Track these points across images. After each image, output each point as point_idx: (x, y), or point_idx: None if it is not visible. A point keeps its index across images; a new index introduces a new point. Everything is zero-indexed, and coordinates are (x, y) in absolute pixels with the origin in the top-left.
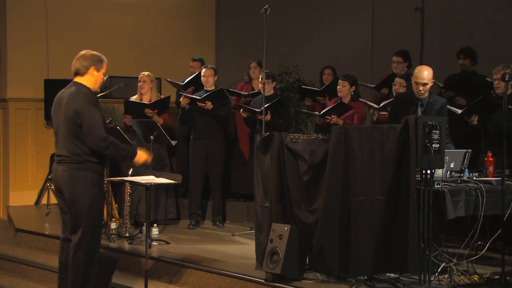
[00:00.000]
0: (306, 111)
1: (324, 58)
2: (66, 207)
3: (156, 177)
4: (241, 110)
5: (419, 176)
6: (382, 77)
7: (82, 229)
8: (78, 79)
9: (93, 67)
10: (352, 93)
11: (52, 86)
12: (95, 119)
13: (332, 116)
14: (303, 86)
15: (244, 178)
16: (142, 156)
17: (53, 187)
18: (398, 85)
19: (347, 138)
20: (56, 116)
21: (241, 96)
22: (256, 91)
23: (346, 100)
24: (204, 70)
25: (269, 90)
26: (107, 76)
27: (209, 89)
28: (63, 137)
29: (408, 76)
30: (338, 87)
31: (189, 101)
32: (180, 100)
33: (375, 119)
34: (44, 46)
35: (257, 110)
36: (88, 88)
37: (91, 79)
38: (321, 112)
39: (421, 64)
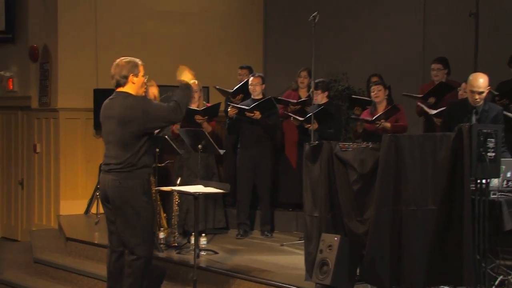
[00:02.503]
0: (355, 117)
1: (372, 65)
2: (114, 216)
3: (205, 186)
4: (292, 118)
5: (473, 186)
6: (424, 86)
7: (134, 239)
8: (121, 90)
9: (131, 74)
10: (386, 97)
11: (102, 96)
12: (156, 103)
13: (382, 120)
14: (353, 96)
15: (292, 187)
16: (187, 76)
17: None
18: (463, 90)
19: (398, 146)
20: (106, 125)
21: (289, 104)
22: (304, 99)
23: (383, 105)
24: (251, 78)
25: (320, 99)
26: (147, 77)
27: (256, 97)
28: (114, 145)
29: None
30: (373, 93)
31: (237, 111)
32: (228, 110)
33: (360, 131)
34: (94, 55)
35: (300, 119)
36: (134, 95)
37: (133, 86)
38: (373, 118)
39: (475, 71)
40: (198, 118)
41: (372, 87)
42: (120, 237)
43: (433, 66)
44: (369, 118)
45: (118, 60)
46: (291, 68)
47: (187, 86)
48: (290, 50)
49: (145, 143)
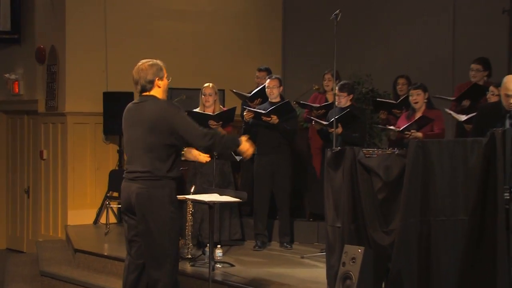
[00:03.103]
0: (381, 126)
1: (398, 66)
2: (137, 227)
3: (220, 195)
4: (313, 122)
5: (507, 194)
6: (460, 86)
7: (161, 251)
8: (147, 94)
9: (157, 78)
10: (425, 100)
11: (111, 99)
12: (188, 121)
13: (411, 130)
14: (378, 99)
15: (313, 196)
16: (246, 146)
17: (113, 206)
18: (490, 94)
19: (426, 152)
20: (131, 130)
21: (313, 109)
22: (328, 102)
23: (421, 110)
24: (268, 81)
25: (344, 103)
26: (170, 78)
27: (274, 101)
28: (141, 152)
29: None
30: (411, 98)
31: (253, 115)
32: (244, 114)
33: (393, 139)
34: (103, 56)
35: (324, 122)
36: (160, 99)
37: (159, 90)
38: (401, 128)
39: (509, 73)
40: (212, 123)
41: (411, 91)
42: (143, 249)
43: (472, 66)
44: (398, 128)
45: (140, 64)
46: (311, 70)
47: (236, 141)
48: (311, 51)
49: (174, 151)
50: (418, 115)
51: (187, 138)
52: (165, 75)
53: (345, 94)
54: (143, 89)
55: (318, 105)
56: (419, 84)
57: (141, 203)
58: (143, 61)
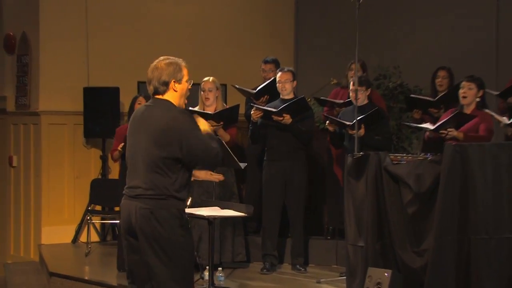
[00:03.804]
0: (413, 125)
1: (432, 56)
2: (141, 252)
3: (222, 208)
4: (327, 122)
5: None
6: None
7: (172, 283)
8: (159, 97)
9: (173, 80)
10: (478, 99)
11: (93, 96)
12: (201, 143)
13: (449, 129)
14: (412, 95)
15: (332, 209)
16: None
17: (95, 222)
18: None
19: (465, 158)
20: (135, 138)
21: (335, 106)
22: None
23: (470, 109)
24: (279, 74)
25: (363, 99)
26: (191, 81)
27: (286, 97)
28: (144, 165)
29: None
30: (461, 91)
31: (262, 114)
32: (251, 112)
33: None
34: (84, 46)
35: (348, 123)
36: (175, 106)
37: (175, 94)
38: (435, 126)
39: None
40: (211, 124)
41: (462, 83)
42: (150, 279)
43: None
44: (430, 126)
45: (156, 62)
46: (328, 62)
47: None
48: (328, 40)
49: (185, 167)
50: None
51: (196, 158)
52: (185, 78)
53: (364, 88)
54: (156, 91)
55: (342, 101)
56: (474, 77)
57: (144, 226)
58: (161, 58)
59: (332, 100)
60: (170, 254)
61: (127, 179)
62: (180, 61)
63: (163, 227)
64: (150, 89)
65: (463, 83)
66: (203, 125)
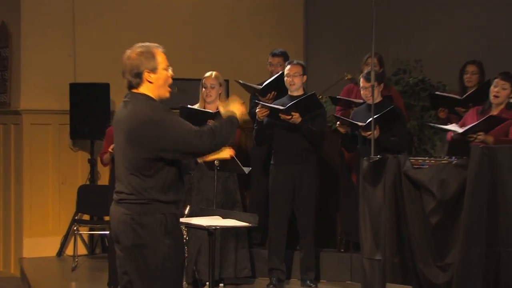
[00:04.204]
0: (439, 126)
1: (459, 49)
2: (126, 265)
3: (223, 218)
4: (338, 123)
5: None
6: None
7: None
8: (135, 91)
9: (145, 71)
10: (510, 99)
11: (81, 93)
12: (176, 128)
13: (478, 133)
14: (436, 93)
15: (346, 219)
16: (238, 108)
17: (82, 233)
18: None
19: (494, 162)
20: (116, 138)
21: (352, 105)
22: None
23: (499, 108)
24: (288, 67)
25: (375, 96)
26: (170, 68)
27: (295, 94)
28: (124, 167)
29: None
30: (494, 89)
31: (268, 112)
32: (256, 111)
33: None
34: (70, 37)
35: (361, 123)
36: (152, 98)
37: (151, 86)
38: (463, 130)
39: None
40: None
41: (496, 80)
42: None
43: None
44: (458, 129)
45: (129, 51)
46: (342, 55)
47: (232, 120)
48: (342, 30)
49: (166, 167)
50: (495, 113)
51: (181, 148)
52: (161, 65)
53: (376, 84)
54: (130, 85)
55: (362, 101)
56: (510, 74)
57: (124, 233)
58: (136, 45)
59: (348, 99)
60: (152, 267)
61: (115, 183)
62: (153, 47)
63: (145, 235)
64: (126, 82)
65: (497, 80)
66: (237, 108)
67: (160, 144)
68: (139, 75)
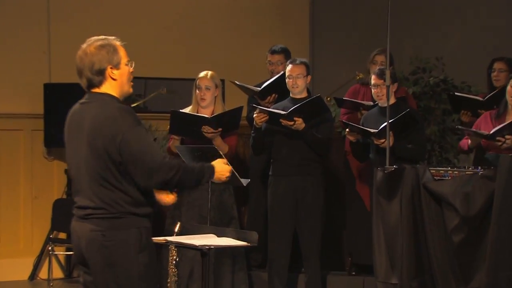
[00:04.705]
0: (473, 130)
1: (486, 45)
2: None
3: (218, 236)
4: (347, 130)
5: None
6: None
7: None
8: (96, 90)
9: (109, 67)
10: None
11: (57, 95)
12: (144, 144)
13: (506, 136)
14: (456, 93)
15: (356, 237)
16: (222, 169)
17: (58, 253)
18: None
19: None
20: (73, 145)
21: (361, 108)
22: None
23: None
24: (290, 67)
25: (390, 97)
26: (133, 63)
27: (298, 97)
28: (89, 178)
29: None
30: (510, 89)
31: (267, 117)
32: (254, 116)
33: (472, 146)
34: (45, 32)
35: (372, 130)
36: (117, 99)
37: (114, 84)
38: (491, 132)
39: None
40: (206, 130)
41: None
42: None
43: None
44: (484, 132)
45: (84, 46)
46: (351, 52)
47: (210, 173)
48: (351, 25)
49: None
50: (509, 118)
51: (138, 167)
52: (123, 60)
53: (391, 82)
54: (90, 84)
55: (371, 103)
56: None
57: (95, 253)
58: (91, 39)
59: (355, 100)
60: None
61: (74, 196)
62: (113, 40)
63: (118, 253)
64: (83, 82)
65: None
66: (222, 170)
67: (123, 154)
68: (101, 72)
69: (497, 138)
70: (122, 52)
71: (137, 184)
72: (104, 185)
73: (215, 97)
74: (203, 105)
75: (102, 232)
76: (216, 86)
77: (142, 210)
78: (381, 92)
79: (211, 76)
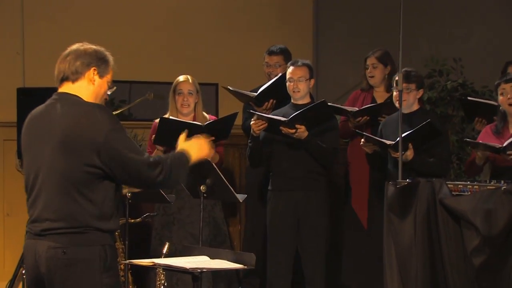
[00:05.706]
0: (483, 143)
1: (506, 46)
2: None
3: (211, 258)
4: (362, 140)
5: None
6: None
7: None
8: (67, 88)
9: (93, 68)
10: None
11: (31, 100)
12: (129, 144)
13: None
14: (468, 98)
15: (362, 259)
16: (199, 146)
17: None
18: None
19: None
20: (33, 151)
21: (349, 116)
22: (379, 103)
23: None
24: (290, 70)
25: (411, 103)
26: (114, 88)
27: (300, 102)
28: (49, 187)
29: None
30: (503, 98)
31: (266, 124)
32: (251, 123)
33: (479, 162)
34: (19, 33)
35: (388, 142)
36: (84, 99)
37: (90, 88)
38: (504, 145)
39: None
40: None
41: (501, 86)
42: None
43: None
44: (495, 144)
45: (76, 45)
46: (359, 53)
47: (187, 160)
48: (358, 23)
49: (108, 184)
50: None
51: (126, 169)
52: (108, 77)
53: (414, 87)
54: (64, 76)
55: (357, 109)
56: None
57: (54, 273)
58: (89, 45)
59: (339, 106)
60: None
61: (29, 209)
62: (110, 56)
63: (81, 273)
64: (57, 75)
65: (503, 85)
66: (200, 150)
67: (109, 156)
68: (84, 68)
69: (508, 152)
70: (111, 70)
71: (117, 190)
72: (69, 193)
73: (196, 103)
74: (185, 112)
75: (62, 249)
76: (197, 91)
77: (107, 225)
78: (404, 97)
79: (193, 81)
